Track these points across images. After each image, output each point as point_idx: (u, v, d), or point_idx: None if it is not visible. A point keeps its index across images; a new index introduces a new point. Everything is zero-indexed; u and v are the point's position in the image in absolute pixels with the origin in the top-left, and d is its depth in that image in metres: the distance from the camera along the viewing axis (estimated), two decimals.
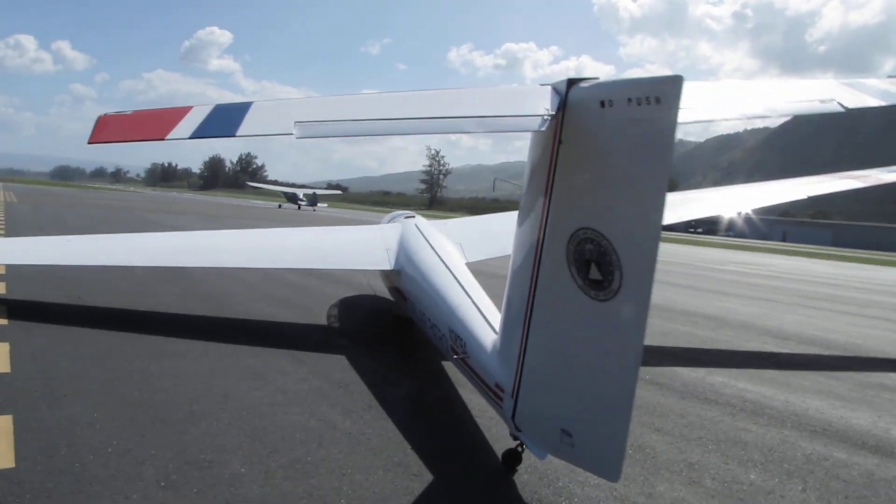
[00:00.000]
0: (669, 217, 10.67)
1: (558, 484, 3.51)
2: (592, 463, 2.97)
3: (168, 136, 2.85)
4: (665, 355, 7.24)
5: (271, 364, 5.45)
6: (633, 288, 2.62)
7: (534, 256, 3.07)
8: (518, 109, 3.03)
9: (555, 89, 2.90)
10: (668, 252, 29.47)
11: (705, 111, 3.24)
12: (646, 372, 6.24)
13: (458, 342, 4.08)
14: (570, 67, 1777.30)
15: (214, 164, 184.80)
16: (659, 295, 12.56)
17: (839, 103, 3.87)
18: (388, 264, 6.46)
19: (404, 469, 3.58)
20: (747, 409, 5.32)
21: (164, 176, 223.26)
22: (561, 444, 2.99)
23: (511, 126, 2.98)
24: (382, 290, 8.37)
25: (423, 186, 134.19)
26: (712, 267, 23.95)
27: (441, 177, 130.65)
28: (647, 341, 2.80)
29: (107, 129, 2.96)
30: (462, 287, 4.65)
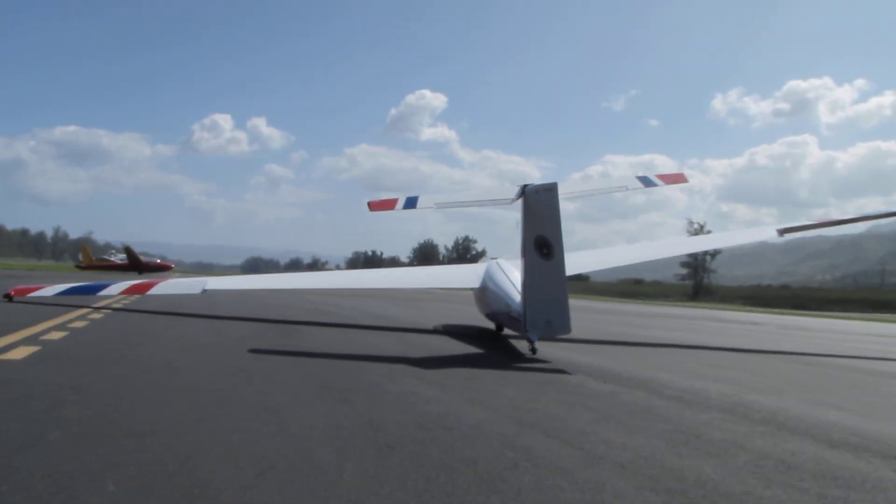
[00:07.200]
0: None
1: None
2: (560, 330, 7.25)
3: (395, 207, 8.00)
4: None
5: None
6: (558, 253, 6.95)
7: (522, 252, 7.19)
8: (502, 195, 7.84)
9: (521, 188, 7.36)
10: None
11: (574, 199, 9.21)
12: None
13: (510, 312, 8.14)
14: (885, 104, 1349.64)
15: (426, 250, 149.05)
16: None
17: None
18: (476, 283, 10.51)
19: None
20: None
21: (368, 265, 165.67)
22: (546, 327, 7.15)
23: (498, 203, 7.81)
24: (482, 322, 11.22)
25: (684, 272, 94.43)
26: None
27: (708, 258, 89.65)
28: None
29: (374, 204, 8.04)
30: (516, 290, 8.20)
